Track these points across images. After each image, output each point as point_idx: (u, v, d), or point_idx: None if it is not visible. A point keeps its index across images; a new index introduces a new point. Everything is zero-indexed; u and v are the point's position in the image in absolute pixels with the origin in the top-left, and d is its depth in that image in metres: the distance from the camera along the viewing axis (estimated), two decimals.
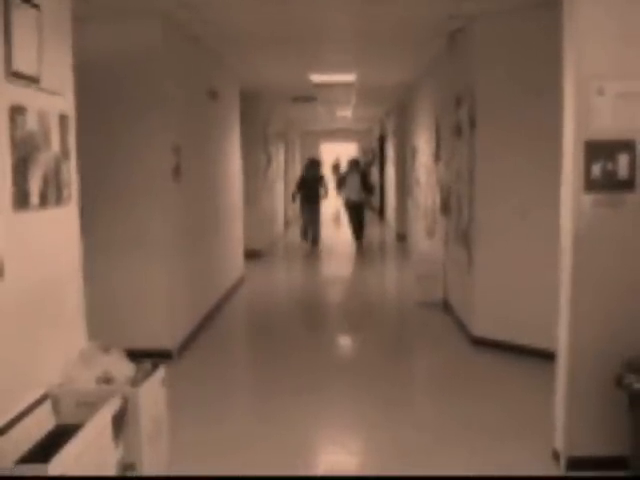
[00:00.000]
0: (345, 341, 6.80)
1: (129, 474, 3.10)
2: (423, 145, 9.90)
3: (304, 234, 13.43)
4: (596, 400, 3.46)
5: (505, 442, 3.94)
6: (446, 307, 7.39)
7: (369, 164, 21.91)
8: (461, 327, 6.46)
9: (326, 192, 13.30)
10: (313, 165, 13.33)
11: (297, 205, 13.91)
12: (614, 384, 3.15)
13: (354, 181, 12.85)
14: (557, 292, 3.68)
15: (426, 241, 9.38)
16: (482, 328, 5.90)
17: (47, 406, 3.00)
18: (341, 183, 13.19)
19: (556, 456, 3.62)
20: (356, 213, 12.96)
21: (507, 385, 5.00)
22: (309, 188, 12.94)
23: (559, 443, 3.60)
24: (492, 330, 5.81)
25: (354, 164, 13.36)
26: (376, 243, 14.20)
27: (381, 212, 18.88)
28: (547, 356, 4.40)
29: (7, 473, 2.45)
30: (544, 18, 4.84)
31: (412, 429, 4.22)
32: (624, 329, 3.42)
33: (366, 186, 13.09)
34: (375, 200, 19.73)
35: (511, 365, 5.40)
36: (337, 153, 27.37)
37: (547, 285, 4.34)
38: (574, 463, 3.51)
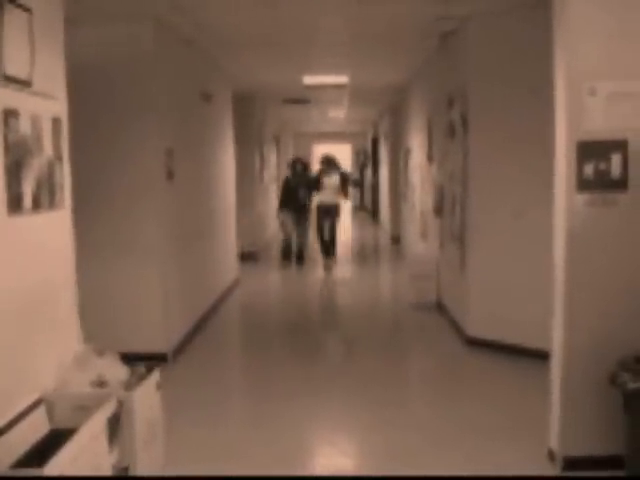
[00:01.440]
0: (339, 343, 6.80)
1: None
2: (416, 146, 9.91)
3: (286, 251, 11.28)
4: (591, 399, 3.47)
5: (500, 442, 3.94)
6: (440, 308, 7.40)
7: (362, 166, 21.93)
8: (455, 327, 6.47)
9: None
10: (300, 166, 11.43)
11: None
12: (609, 383, 3.16)
13: (331, 181, 10.79)
14: (551, 292, 3.68)
15: (420, 242, 9.39)
16: (476, 328, 5.90)
17: (42, 410, 2.99)
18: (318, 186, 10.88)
19: (552, 456, 3.62)
20: (329, 219, 10.78)
21: (502, 385, 5.01)
22: (297, 195, 11.01)
23: (554, 443, 3.60)
24: (486, 330, 5.82)
25: (329, 162, 11.06)
26: (370, 245, 14.19)
27: (375, 214, 18.90)
28: (541, 356, 4.41)
29: (2, 477, 2.45)
30: (536, 19, 4.85)
31: (407, 431, 4.22)
32: (618, 328, 3.43)
33: (348, 184, 11.30)
34: (368, 202, 19.73)
35: (505, 365, 5.41)
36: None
37: (541, 285, 4.36)
38: (570, 463, 3.51)
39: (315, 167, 12.04)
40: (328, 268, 10.54)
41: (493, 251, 5.73)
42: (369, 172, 20.24)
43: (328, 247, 10.68)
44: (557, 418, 3.58)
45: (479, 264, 5.86)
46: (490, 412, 4.46)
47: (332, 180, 10.78)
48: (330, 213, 10.76)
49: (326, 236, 10.76)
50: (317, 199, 10.95)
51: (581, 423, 3.52)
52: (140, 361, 3.58)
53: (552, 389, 3.68)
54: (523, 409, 4.47)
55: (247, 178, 11.30)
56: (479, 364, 5.52)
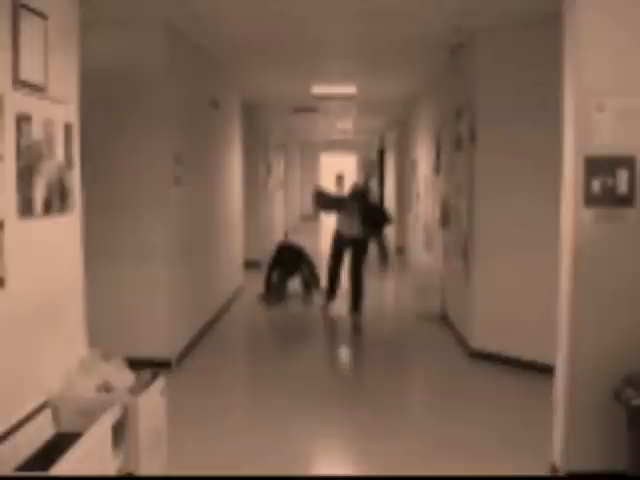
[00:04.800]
0: (344, 353, 6.80)
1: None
2: (423, 158, 9.94)
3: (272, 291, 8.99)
4: (595, 415, 3.47)
5: (503, 456, 3.94)
6: (445, 320, 7.40)
7: (368, 176, 21.91)
8: (459, 340, 6.47)
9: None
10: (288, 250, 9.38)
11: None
12: (613, 399, 3.16)
13: (352, 210, 7.88)
14: (556, 306, 3.69)
15: (425, 254, 9.40)
16: (480, 341, 5.90)
17: (47, 414, 3.00)
18: (332, 205, 8.23)
19: (554, 471, 3.61)
20: (354, 255, 7.90)
21: (505, 399, 5.01)
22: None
23: (557, 457, 3.60)
24: (490, 343, 5.82)
25: (357, 193, 8.06)
26: (374, 255, 14.16)
27: None
28: (546, 370, 4.41)
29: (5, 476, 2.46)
30: (545, 34, 4.88)
31: (409, 442, 4.22)
32: (623, 343, 3.42)
33: (372, 217, 7.95)
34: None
35: (509, 378, 5.41)
36: (339, 169, 27.31)
37: (546, 299, 4.36)
38: (572, 478, 3.51)
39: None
40: (356, 324, 7.69)
41: (498, 264, 5.74)
42: (375, 182, 20.28)
43: (354, 293, 7.89)
44: (561, 433, 3.58)
45: (484, 276, 5.86)
46: (493, 425, 4.46)
47: (354, 208, 7.90)
48: (351, 245, 7.98)
49: (334, 272, 8.22)
50: (335, 226, 8.21)
51: (585, 438, 3.51)
52: (143, 367, 3.59)
53: (556, 404, 3.67)
54: (526, 423, 4.46)
55: (253, 185, 11.35)
56: (483, 377, 5.51)
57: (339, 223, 8.06)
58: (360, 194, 8.05)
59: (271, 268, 9.11)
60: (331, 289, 8.26)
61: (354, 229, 7.84)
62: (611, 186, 3.39)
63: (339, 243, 8.09)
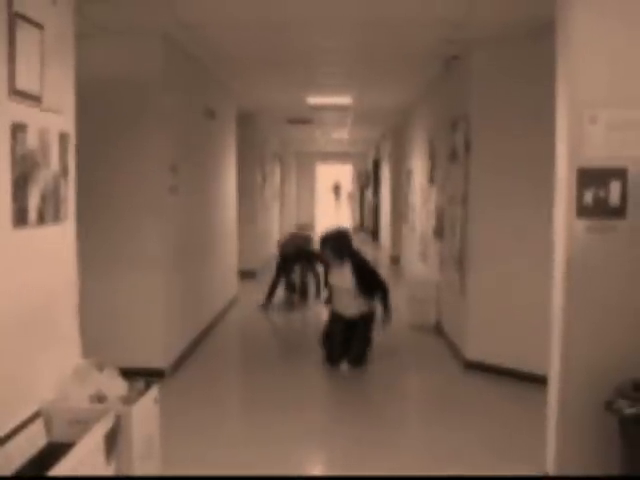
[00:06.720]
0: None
1: None
2: (418, 168, 9.97)
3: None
4: (587, 424, 3.47)
5: (497, 466, 3.94)
6: (439, 330, 7.40)
7: (364, 186, 21.96)
8: (454, 350, 6.47)
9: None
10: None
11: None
12: (605, 409, 3.17)
13: (345, 278, 6.22)
14: (550, 317, 3.70)
15: (420, 264, 9.41)
16: (475, 352, 5.91)
17: (40, 423, 2.99)
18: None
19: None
20: (360, 330, 6.31)
21: (499, 409, 5.01)
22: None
23: (550, 467, 3.60)
24: (485, 354, 5.82)
25: (338, 243, 6.30)
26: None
27: (375, 234, 18.95)
28: (539, 380, 4.41)
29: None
30: (540, 45, 4.91)
31: (403, 453, 4.22)
32: (615, 354, 3.43)
33: (371, 282, 6.38)
34: (369, 224, 19.70)
35: (504, 389, 5.41)
36: (335, 179, 27.54)
37: (540, 309, 4.37)
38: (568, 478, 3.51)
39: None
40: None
41: (493, 274, 5.75)
42: (370, 192, 20.33)
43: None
44: (554, 442, 3.58)
45: (479, 287, 5.88)
46: (487, 436, 4.46)
47: (346, 276, 6.22)
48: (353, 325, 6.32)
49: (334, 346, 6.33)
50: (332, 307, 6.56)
51: (577, 448, 3.51)
52: (137, 376, 3.58)
53: (549, 413, 3.68)
54: (520, 433, 4.47)
55: (248, 195, 11.36)
56: (477, 388, 5.52)
57: (336, 301, 6.41)
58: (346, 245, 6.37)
59: (278, 276, 9.31)
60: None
61: (352, 306, 6.26)
62: (603, 197, 3.41)
63: (338, 324, 6.38)
